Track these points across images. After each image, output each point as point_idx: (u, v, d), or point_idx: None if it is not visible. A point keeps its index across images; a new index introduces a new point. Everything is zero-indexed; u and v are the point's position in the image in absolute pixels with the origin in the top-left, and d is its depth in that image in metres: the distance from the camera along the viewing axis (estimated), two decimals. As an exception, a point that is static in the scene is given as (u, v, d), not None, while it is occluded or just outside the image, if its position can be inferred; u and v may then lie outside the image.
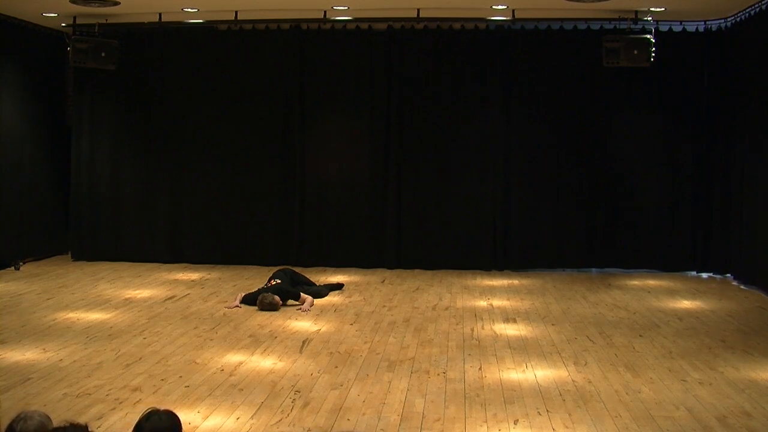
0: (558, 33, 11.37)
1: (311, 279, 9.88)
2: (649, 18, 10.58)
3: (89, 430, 3.01)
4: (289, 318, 8.31)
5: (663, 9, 10.25)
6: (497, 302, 9.25)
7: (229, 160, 11.83)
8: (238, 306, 8.76)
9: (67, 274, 10.77)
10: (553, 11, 10.64)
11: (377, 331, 7.74)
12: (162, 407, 3.31)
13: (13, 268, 10.97)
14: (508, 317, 8.45)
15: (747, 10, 10.15)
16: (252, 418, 5.27)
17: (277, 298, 8.68)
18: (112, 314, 8.34)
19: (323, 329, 7.81)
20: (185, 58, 11.82)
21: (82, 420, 3.18)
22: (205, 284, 10.22)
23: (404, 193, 11.65)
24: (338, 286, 9.87)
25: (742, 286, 10.27)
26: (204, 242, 11.86)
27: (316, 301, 9.03)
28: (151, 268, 11.36)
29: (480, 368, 6.48)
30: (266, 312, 8.53)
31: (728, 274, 10.92)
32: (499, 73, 11.47)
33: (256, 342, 7.28)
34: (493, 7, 10.41)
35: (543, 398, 5.70)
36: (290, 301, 8.90)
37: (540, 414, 5.37)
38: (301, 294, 8.94)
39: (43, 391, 5.74)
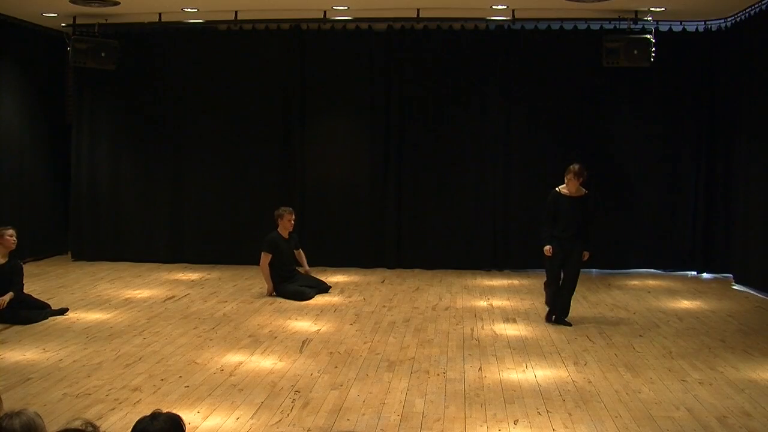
0: (558, 33, 11.37)
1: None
2: (649, 18, 10.58)
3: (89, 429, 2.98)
4: (289, 318, 8.31)
5: (663, 9, 10.25)
6: (497, 302, 9.25)
7: (229, 160, 11.85)
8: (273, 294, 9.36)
9: (67, 274, 10.77)
10: (553, 11, 10.64)
11: (377, 331, 7.74)
12: (162, 407, 3.29)
13: (13, 267, 10.95)
14: (508, 317, 8.45)
15: (747, 10, 10.15)
16: (252, 418, 5.26)
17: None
18: (112, 314, 8.34)
19: (323, 329, 7.81)
20: (185, 58, 11.82)
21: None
22: (205, 284, 10.22)
23: (404, 192, 11.66)
24: (325, 288, 9.72)
25: (742, 286, 10.27)
26: (204, 242, 11.86)
27: (309, 302, 9.08)
28: (151, 268, 11.37)
29: (480, 368, 6.48)
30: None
31: (728, 274, 10.93)
32: (499, 73, 11.48)
33: (256, 342, 7.28)
34: (493, 7, 10.41)
35: (543, 398, 5.70)
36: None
37: (540, 414, 5.37)
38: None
39: (43, 391, 5.73)
